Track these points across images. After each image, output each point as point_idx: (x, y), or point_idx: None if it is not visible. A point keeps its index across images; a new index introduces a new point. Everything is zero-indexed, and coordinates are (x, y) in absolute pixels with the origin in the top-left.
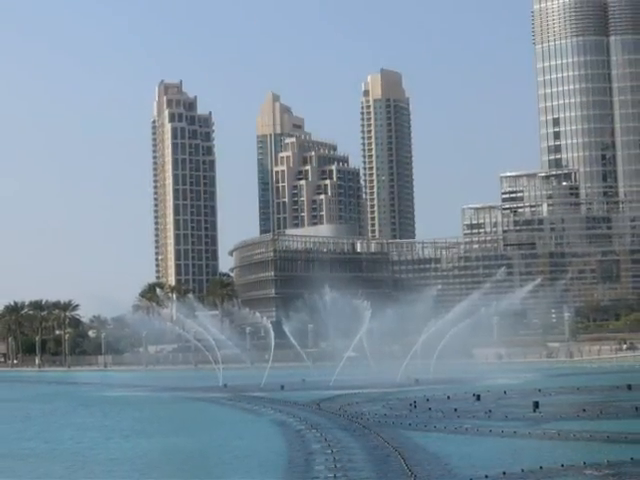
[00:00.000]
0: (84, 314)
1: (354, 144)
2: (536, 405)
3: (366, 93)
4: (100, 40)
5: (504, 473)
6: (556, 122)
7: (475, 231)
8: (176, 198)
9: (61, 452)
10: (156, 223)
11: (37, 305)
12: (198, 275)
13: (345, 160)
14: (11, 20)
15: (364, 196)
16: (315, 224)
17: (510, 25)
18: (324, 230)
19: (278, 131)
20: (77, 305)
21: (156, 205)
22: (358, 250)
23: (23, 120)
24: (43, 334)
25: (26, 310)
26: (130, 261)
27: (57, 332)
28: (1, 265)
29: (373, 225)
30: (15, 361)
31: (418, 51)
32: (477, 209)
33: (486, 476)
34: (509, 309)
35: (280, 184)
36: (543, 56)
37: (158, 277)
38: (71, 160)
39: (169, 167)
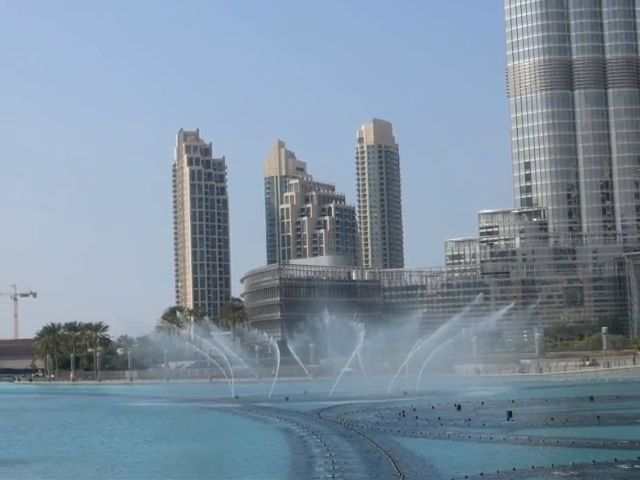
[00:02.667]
0: (113, 334)
1: (350, 185)
2: (510, 414)
3: (360, 140)
4: (127, 94)
5: (481, 474)
6: (527, 165)
7: (456, 261)
8: (193, 232)
9: (93, 455)
10: (176, 254)
11: (72, 326)
12: (213, 300)
13: (342, 199)
14: (50, 79)
15: (359, 230)
16: (315, 255)
17: (487, 80)
18: (323, 260)
19: (283, 173)
20: (107, 326)
21: (176, 238)
22: (353, 278)
23: (60, 164)
24: (77, 352)
25: (62, 331)
26: (153, 288)
27: (89, 350)
28: (40, 291)
29: (366, 256)
30: (52, 375)
31: (406, 103)
32: (458, 242)
33: (466, 477)
34: (486, 330)
35: (285, 220)
36: (516, 107)
37: (178, 302)
38: (101, 199)
39: (187, 205)
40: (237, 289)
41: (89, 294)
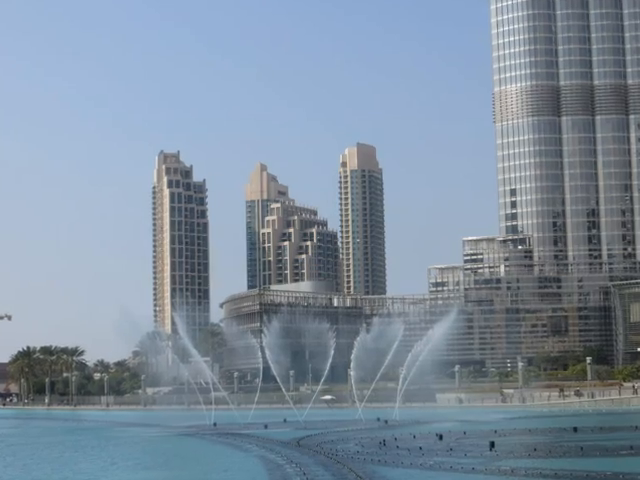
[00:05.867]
0: (89, 359)
1: (332, 209)
2: (492, 445)
3: (344, 164)
4: (110, 117)
5: None
6: (513, 192)
7: (440, 289)
8: (173, 256)
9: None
10: (155, 278)
11: (47, 350)
12: (191, 325)
13: (324, 224)
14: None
15: (341, 256)
16: (297, 280)
17: (473, 105)
18: (305, 286)
19: (265, 197)
20: (83, 351)
21: (155, 262)
22: (335, 304)
23: (37, 186)
24: (52, 376)
25: (37, 355)
26: (131, 312)
27: (65, 374)
28: (16, 314)
29: (348, 282)
30: (27, 400)
31: (391, 127)
32: (441, 269)
33: None
34: (469, 359)
35: (266, 244)
36: (502, 133)
37: (156, 326)
38: (79, 222)
39: (167, 228)
40: (216, 314)
41: (65, 318)
